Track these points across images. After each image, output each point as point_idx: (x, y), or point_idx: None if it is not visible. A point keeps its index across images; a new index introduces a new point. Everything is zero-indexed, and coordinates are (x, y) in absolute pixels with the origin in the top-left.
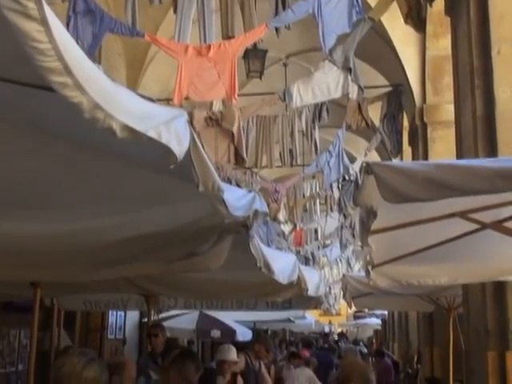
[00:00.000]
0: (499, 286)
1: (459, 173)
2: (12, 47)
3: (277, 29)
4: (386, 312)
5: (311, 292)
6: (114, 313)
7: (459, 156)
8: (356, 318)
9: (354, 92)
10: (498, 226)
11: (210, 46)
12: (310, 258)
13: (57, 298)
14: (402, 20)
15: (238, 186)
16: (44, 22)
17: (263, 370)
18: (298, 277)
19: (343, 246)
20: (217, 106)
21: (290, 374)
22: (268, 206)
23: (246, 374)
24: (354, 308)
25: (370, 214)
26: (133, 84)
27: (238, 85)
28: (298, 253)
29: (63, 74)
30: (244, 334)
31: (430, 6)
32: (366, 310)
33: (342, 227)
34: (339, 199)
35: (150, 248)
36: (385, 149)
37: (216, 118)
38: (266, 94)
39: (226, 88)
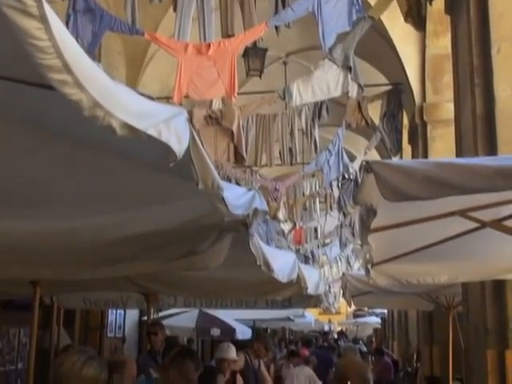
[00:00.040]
0: (499, 285)
1: (459, 171)
2: (12, 45)
3: (277, 27)
4: (385, 311)
5: (311, 290)
6: (114, 311)
7: (459, 154)
8: (355, 316)
9: (353, 90)
10: (497, 224)
11: (209, 45)
12: (310, 256)
13: (56, 297)
14: (402, 18)
15: (238, 184)
16: (43, 19)
17: (263, 368)
18: (298, 275)
19: (343, 245)
20: (216, 105)
21: (289, 372)
22: (268, 204)
23: (245, 372)
24: (353, 307)
25: (369, 213)
26: (132, 82)
27: (238, 83)
28: (297, 251)
29: (63, 72)
30: (244, 333)
31: (430, 4)
32: (366, 309)
33: (341, 226)
34: (339, 198)
35: (150, 246)
36: (384, 147)
37: (216, 117)
38: (265, 92)
39: (225, 86)
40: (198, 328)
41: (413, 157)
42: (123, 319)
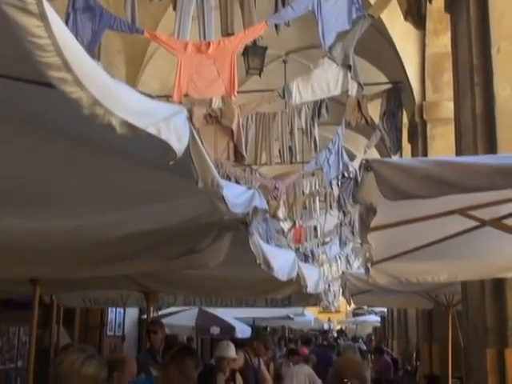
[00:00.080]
0: (498, 283)
1: (459, 170)
2: (11, 43)
3: (276, 26)
4: (385, 309)
5: (310, 289)
6: (114, 310)
7: (458, 153)
8: (355, 315)
9: (353, 89)
10: (497, 223)
11: (209, 43)
12: (310, 255)
13: (56, 295)
14: (402, 17)
15: (238, 183)
16: (43, 17)
17: (262, 367)
18: (298, 274)
19: (342, 244)
20: (216, 103)
21: (289, 370)
22: (267, 203)
23: (244, 371)
24: (353, 305)
25: (369, 211)
26: (132, 81)
27: (238, 82)
28: (297, 250)
29: (62, 70)
30: (243, 331)
31: (430, 3)
32: (366, 307)
33: (341, 224)
34: (338, 196)
35: (150, 245)
36: (384, 146)
37: (215, 115)
38: (265, 91)
39: (225, 85)
40: (198, 326)
41: (412, 155)
42: (123, 318)
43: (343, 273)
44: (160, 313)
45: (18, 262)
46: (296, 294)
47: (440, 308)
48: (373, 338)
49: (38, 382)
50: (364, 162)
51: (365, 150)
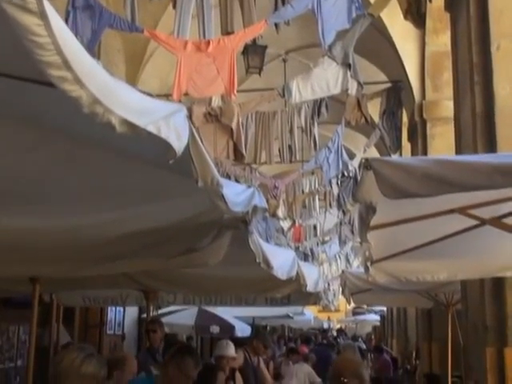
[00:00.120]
0: (498, 282)
1: (458, 168)
2: (11, 42)
3: (276, 25)
4: (384, 308)
5: (310, 288)
6: (113, 308)
7: (458, 152)
8: (355, 314)
9: (353, 88)
10: (496, 222)
11: (209, 42)
12: (309, 254)
13: (56, 294)
14: (402, 16)
15: (237, 181)
16: (43, 15)
17: (262, 365)
18: (297, 273)
19: (342, 242)
20: (216, 102)
21: (288, 369)
22: (267, 201)
23: (244, 369)
24: (352, 304)
25: (369, 210)
26: (132, 80)
27: (238, 80)
28: (296, 249)
29: (62, 68)
30: (243, 330)
31: (430, 1)
32: (365, 307)
33: (341, 223)
34: (338, 195)
35: (150, 243)
36: (384, 145)
37: (215, 114)
38: (265, 89)
39: (225, 84)
40: (198, 325)
41: (412, 154)
42: (123, 316)
43: (343, 272)
44: (160, 312)
45: (18, 261)
46: (296, 292)
47: (440, 307)
48: (372, 336)
49: (37, 380)
50: (364, 160)
51: (364, 148)
